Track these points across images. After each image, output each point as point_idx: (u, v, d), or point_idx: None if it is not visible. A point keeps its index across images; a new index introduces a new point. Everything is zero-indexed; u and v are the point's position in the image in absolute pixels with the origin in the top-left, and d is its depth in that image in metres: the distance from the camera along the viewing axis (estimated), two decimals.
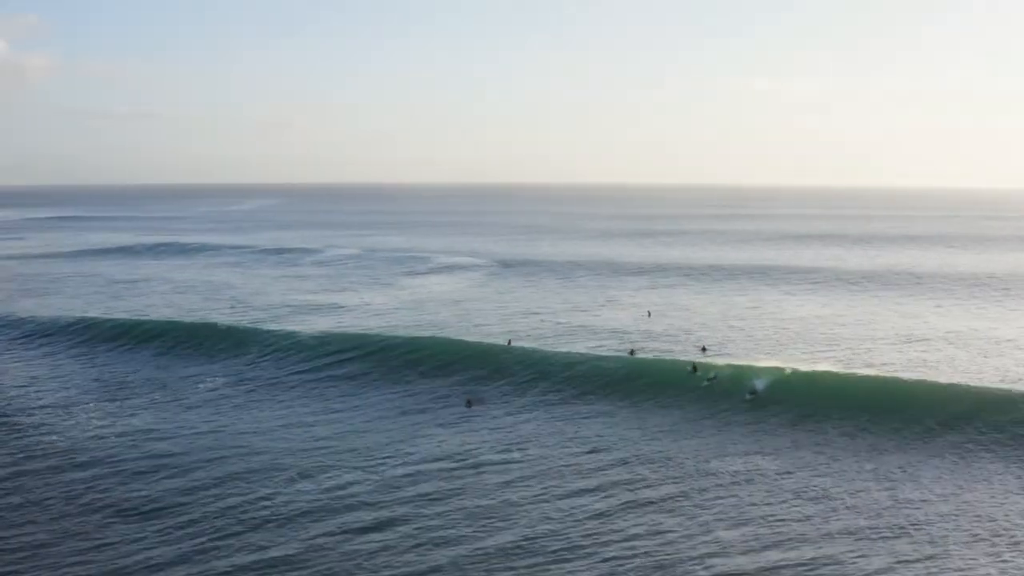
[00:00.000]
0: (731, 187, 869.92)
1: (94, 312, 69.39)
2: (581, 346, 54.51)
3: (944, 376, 45.12)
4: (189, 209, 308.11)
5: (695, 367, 45.89)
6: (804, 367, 45.27)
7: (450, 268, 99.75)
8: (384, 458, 34.04)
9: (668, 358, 49.84)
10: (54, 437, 37.93)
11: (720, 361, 47.44)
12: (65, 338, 60.26)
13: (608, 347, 54.48)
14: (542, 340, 56.74)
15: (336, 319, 65.62)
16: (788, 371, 44.08)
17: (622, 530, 27.04)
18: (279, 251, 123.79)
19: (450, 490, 30.64)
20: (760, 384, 42.85)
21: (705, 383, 44.16)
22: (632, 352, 52.25)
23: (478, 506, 28.91)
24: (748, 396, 42.33)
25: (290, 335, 56.61)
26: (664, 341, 56.81)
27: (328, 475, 32.08)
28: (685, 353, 51.95)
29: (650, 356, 50.76)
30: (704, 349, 53.78)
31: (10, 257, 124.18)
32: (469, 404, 42.83)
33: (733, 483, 31.20)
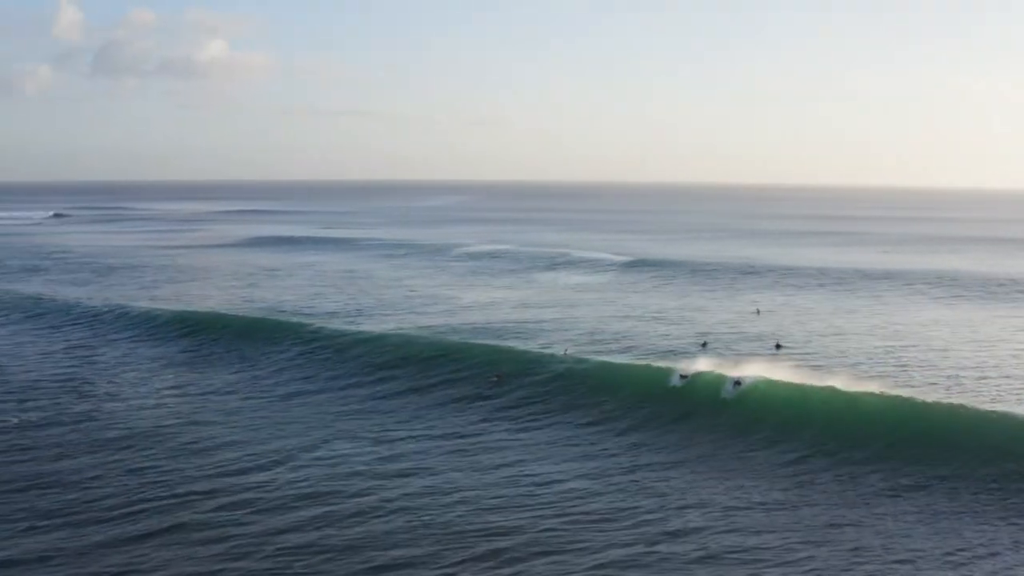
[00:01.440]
0: (925, 189, 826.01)
1: (212, 304, 71.81)
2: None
3: None
4: (377, 205, 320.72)
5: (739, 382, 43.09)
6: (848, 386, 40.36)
7: (590, 265, 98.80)
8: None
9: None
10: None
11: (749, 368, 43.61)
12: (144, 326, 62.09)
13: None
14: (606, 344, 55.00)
15: (422, 319, 64.89)
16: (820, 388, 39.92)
17: None
18: (414, 245, 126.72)
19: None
20: (731, 388, 41.03)
21: (679, 383, 42.26)
22: (704, 344, 53.73)
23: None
24: (732, 387, 41.08)
25: (358, 335, 54.99)
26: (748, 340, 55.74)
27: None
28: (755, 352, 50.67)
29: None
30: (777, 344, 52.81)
31: (171, 247, 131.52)
32: (499, 379, 43.92)
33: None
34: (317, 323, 59.78)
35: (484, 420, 39.39)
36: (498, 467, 32.64)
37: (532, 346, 51.85)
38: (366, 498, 29.38)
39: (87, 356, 53.26)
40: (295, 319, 62.29)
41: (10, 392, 44.12)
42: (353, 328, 57.97)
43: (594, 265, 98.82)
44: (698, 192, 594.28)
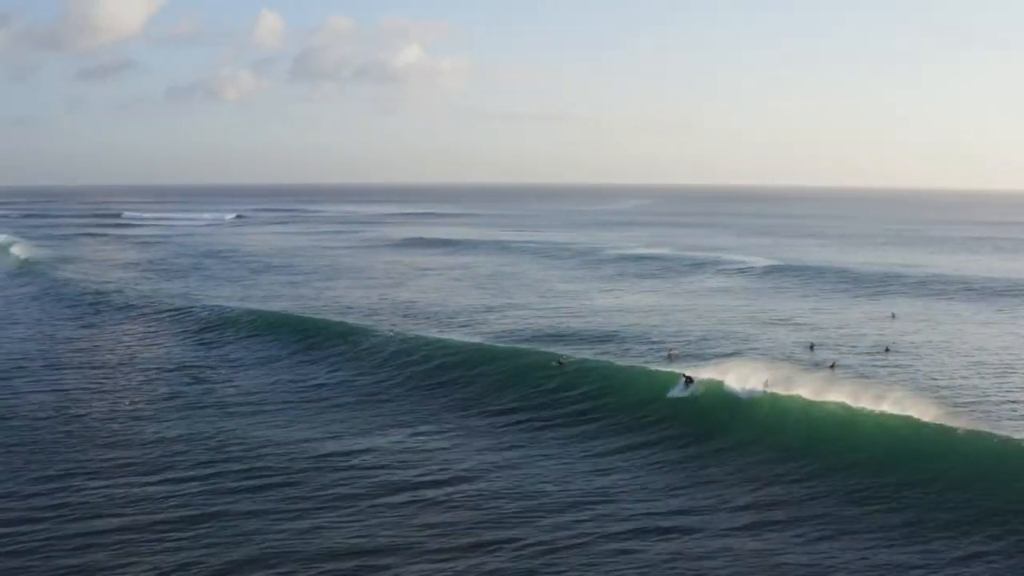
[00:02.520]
0: None
1: (351, 301, 75.96)
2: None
3: None
4: (553, 208, 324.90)
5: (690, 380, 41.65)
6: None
7: (734, 269, 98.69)
8: None
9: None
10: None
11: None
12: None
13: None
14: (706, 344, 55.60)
15: (547, 321, 66.36)
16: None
17: None
18: (570, 248, 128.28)
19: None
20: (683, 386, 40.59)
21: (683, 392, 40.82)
22: (812, 347, 54.01)
23: None
24: (684, 386, 40.68)
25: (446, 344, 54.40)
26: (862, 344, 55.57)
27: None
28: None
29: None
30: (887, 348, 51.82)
31: (334, 247, 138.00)
32: (560, 365, 45.83)
33: None
34: (423, 326, 62.22)
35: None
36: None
37: (632, 355, 52.64)
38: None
39: (206, 354, 56.83)
40: (410, 321, 65.37)
41: (133, 377, 48.31)
42: (460, 334, 59.42)
43: (737, 269, 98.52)
44: (886, 197, 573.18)
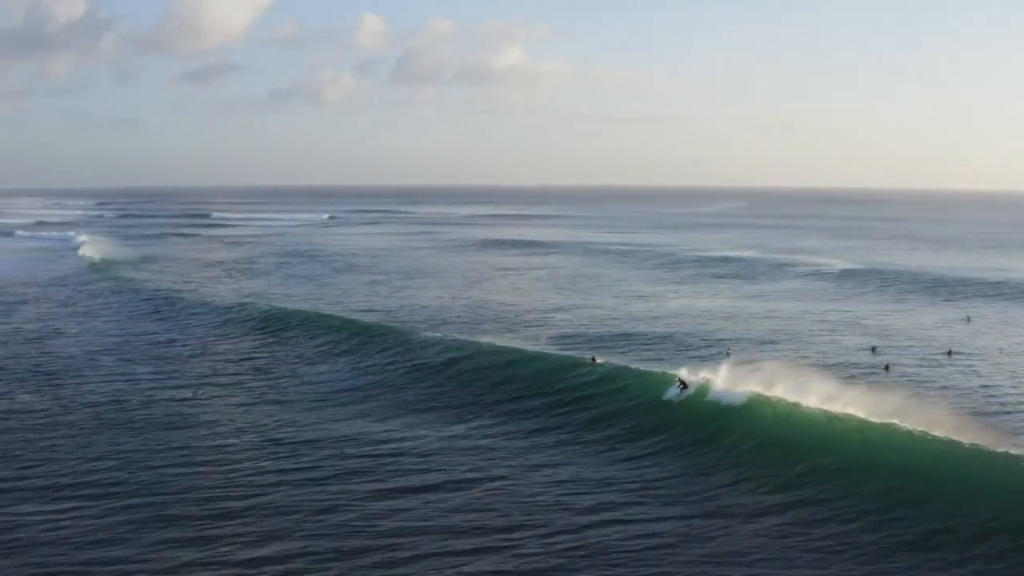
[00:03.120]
0: None
1: (420, 300, 78.23)
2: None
3: None
4: (647, 210, 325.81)
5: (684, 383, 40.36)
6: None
7: (811, 272, 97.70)
8: None
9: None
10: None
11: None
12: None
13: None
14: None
15: (608, 324, 66.79)
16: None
17: None
18: (654, 249, 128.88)
19: None
20: (677, 390, 39.75)
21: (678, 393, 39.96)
22: (874, 349, 54.10)
23: None
24: (678, 390, 39.87)
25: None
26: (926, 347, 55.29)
27: None
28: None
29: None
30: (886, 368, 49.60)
31: (419, 247, 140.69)
32: (594, 362, 46.19)
33: None
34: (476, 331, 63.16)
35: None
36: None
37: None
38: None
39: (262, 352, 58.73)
40: (477, 321, 67.08)
41: (199, 370, 50.65)
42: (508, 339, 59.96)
43: (816, 271, 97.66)
44: (996, 200, 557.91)
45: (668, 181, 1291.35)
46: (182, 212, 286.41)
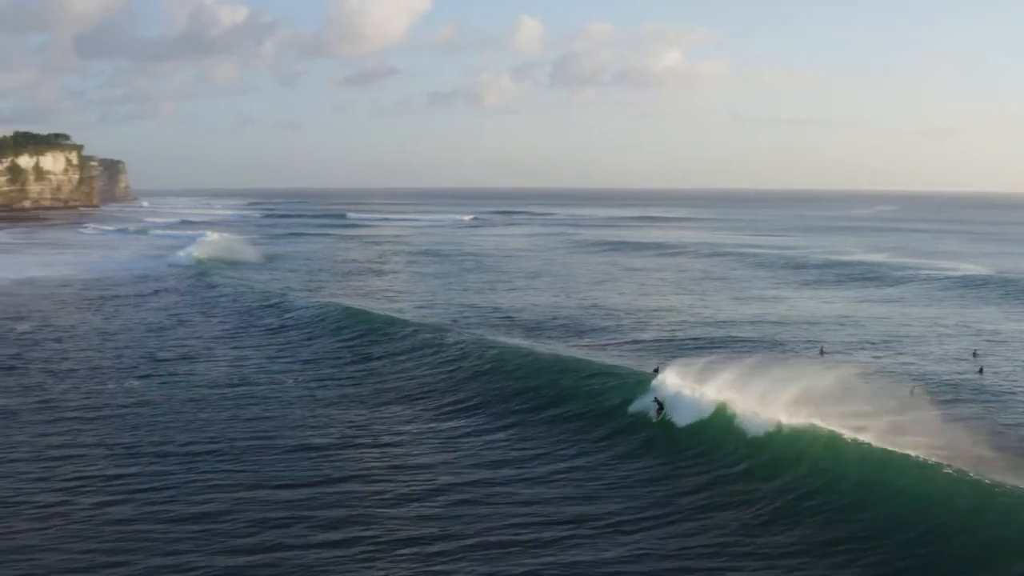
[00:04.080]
0: None
1: (532, 300, 79.92)
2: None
3: None
4: (795, 213, 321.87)
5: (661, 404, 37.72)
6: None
7: (928, 279, 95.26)
8: None
9: None
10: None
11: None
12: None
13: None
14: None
15: (698, 329, 67.94)
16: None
17: None
18: (783, 253, 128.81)
19: None
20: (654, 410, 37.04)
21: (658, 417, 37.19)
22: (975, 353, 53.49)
23: None
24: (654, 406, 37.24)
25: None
26: None
27: None
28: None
29: None
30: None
31: (548, 247, 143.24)
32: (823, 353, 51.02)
33: None
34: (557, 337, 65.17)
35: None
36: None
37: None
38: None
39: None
40: (582, 320, 69.40)
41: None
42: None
43: (944, 277, 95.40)
44: None
45: (825, 184, 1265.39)
46: (324, 212, 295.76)
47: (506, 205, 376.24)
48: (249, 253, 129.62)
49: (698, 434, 35.58)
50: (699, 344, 57.25)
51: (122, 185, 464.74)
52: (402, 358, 53.43)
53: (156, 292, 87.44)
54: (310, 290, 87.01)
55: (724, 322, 67.16)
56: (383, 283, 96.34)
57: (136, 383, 48.41)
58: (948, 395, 43.44)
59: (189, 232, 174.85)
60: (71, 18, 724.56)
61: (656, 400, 37.45)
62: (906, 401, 39.33)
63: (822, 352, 53.35)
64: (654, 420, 36.99)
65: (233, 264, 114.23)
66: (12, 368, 52.64)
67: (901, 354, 54.50)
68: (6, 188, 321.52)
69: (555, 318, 68.80)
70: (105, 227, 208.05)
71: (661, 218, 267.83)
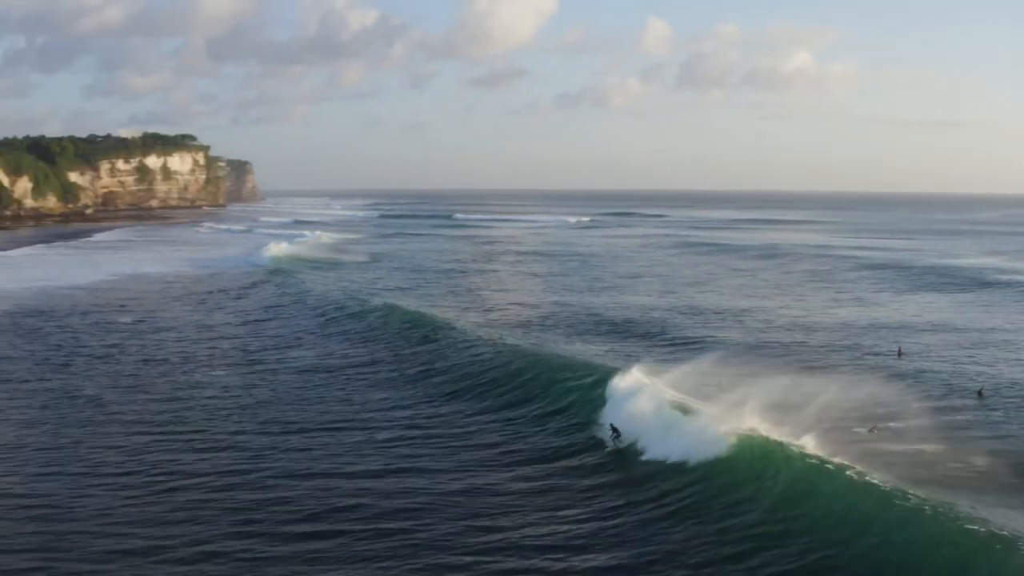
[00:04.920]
0: None
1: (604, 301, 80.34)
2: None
3: None
4: (910, 216, 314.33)
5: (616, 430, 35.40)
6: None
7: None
8: None
9: None
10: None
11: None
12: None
13: None
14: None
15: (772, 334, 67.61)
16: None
17: None
18: (887, 256, 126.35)
19: None
20: (610, 436, 34.94)
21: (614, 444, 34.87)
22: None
23: None
24: (611, 436, 34.89)
25: None
26: None
27: None
28: None
29: None
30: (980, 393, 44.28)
31: (645, 247, 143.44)
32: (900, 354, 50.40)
33: None
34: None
35: None
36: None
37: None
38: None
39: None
40: (660, 321, 69.96)
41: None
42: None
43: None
44: None
45: (959, 187, 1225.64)
46: (436, 213, 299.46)
47: (625, 207, 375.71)
48: (347, 252, 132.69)
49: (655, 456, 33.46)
50: (771, 349, 56.31)
51: (249, 186, 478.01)
52: (464, 357, 53.32)
53: (243, 289, 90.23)
54: (401, 289, 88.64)
55: (811, 324, 66.61)
56: (480, 281, 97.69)
57: (221, 374, 50.70)
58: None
59: (291, 232, 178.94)
60: (204, 22, 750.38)
61: (611, 426, 35.08)
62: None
63: (900, 354, 52.67)
64: (609, 447, 34.64)
65: (318, 262, 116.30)
66: (108, 356, 55.65)
67: (979, 362, 52.56)
68: (134, 187, 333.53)
69: (645, 319, 68.99)
70: (220, 226, 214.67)
71: (778, 220, 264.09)
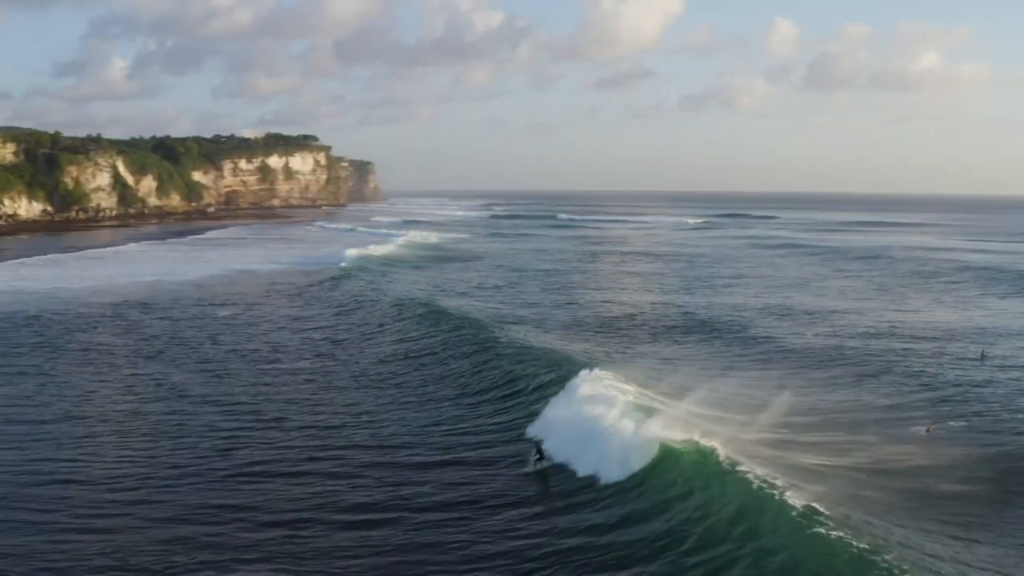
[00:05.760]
0: None
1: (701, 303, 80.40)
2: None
3: None
4: None
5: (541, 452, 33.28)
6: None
7: None
8: None
9: None
10: None
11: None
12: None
13: None
14: None
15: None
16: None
17: None
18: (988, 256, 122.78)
19: None
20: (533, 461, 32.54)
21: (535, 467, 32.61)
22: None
23: None
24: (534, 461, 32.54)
25: None
26: None
27: None
28: None
29: None
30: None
31: (746, 246, 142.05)
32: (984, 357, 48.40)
33: None
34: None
35: None
36: None
37: None
38: None
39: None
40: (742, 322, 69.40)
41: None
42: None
43: None
44: None
45: None
46: (553, 213, 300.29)
47: (744, 209, 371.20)
48: (445, 250, 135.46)
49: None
50: (843, 354, 54.53)
51: (371, 186, 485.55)
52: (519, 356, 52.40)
53: (329, 285, 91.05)
54: (484, 289, 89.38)
55: (901, 326, 65.51)
56: (578, 279, 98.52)
57: (305, 364, 52.78)
58: None
59: (396, 231, 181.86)
60: (332, 24, 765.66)
61: (537, 449, 32.72)
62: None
63: (983, 356, 51.73)
64: (529, 470, 32.34)
65: (412, 261, 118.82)
66: (200, 346, 58.38)
67: None
68: (256, 187, 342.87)
69: (732, 318, 69.02)
70: (330, 225, 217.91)
71: (895, 223, 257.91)
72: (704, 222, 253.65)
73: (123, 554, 25.99)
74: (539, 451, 32.49)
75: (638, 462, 30.24)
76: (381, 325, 66.98)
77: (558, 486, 31.19)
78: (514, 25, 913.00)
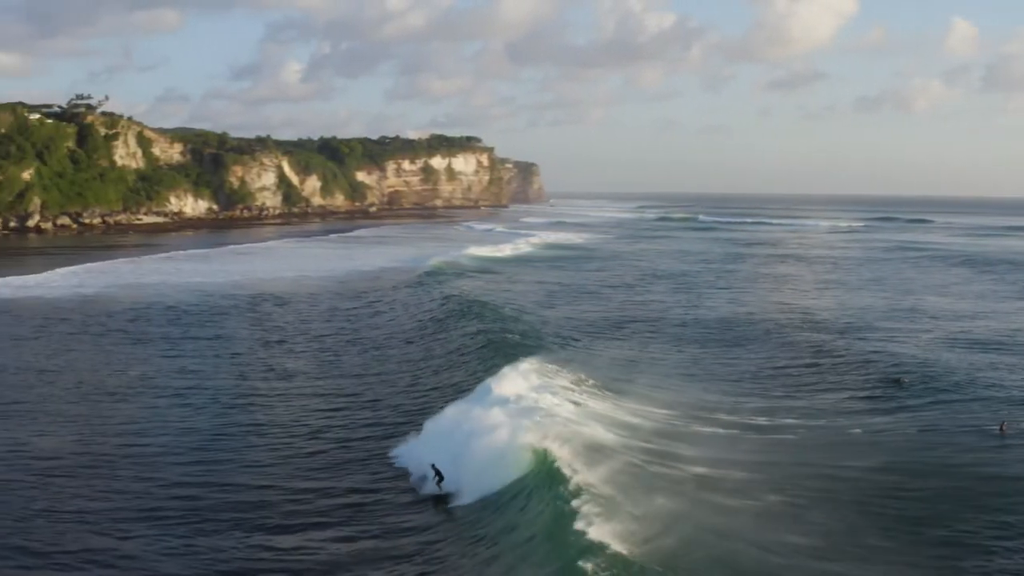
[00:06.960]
0: None
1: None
2: None
3: None
4: None
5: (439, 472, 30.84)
6: None
7: None
8: None
9: None
10: None
11: None
12: None
13: None
14: None
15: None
16: None
17: None
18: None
19: None
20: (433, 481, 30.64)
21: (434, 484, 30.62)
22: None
23: None
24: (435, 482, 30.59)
25: None
26: None
27: None
28: None
29: None
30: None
31: (885, 258, 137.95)
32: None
33: None
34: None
35: None
36: None
37: None
38: None
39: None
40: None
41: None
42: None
43: None
44: None
45: None
46: (706, 215, 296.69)
47: (908, 213, 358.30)
48: (578, 250, 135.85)
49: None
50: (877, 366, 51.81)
51: (535, 187, 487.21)
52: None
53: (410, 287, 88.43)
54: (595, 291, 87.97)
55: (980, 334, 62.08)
56: (709, 279, 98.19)
57: (357, 359, 54.20)
58: None
59: (528, 232, 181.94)
60: (504, 26, 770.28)
61: (435, 470, 30.62)
62: None
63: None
64: (438, 491, 30.38)
65: (541, 260, 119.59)
66: (321, 338, 61.25)
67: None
68: (419, 187, 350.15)
69: (848, 321, 67.72)
70: (477, 226, 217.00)
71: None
72: (864, 225, 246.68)
73: None
74: (437, 472, 30.45)
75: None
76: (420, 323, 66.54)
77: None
78: (686, 26, 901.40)
